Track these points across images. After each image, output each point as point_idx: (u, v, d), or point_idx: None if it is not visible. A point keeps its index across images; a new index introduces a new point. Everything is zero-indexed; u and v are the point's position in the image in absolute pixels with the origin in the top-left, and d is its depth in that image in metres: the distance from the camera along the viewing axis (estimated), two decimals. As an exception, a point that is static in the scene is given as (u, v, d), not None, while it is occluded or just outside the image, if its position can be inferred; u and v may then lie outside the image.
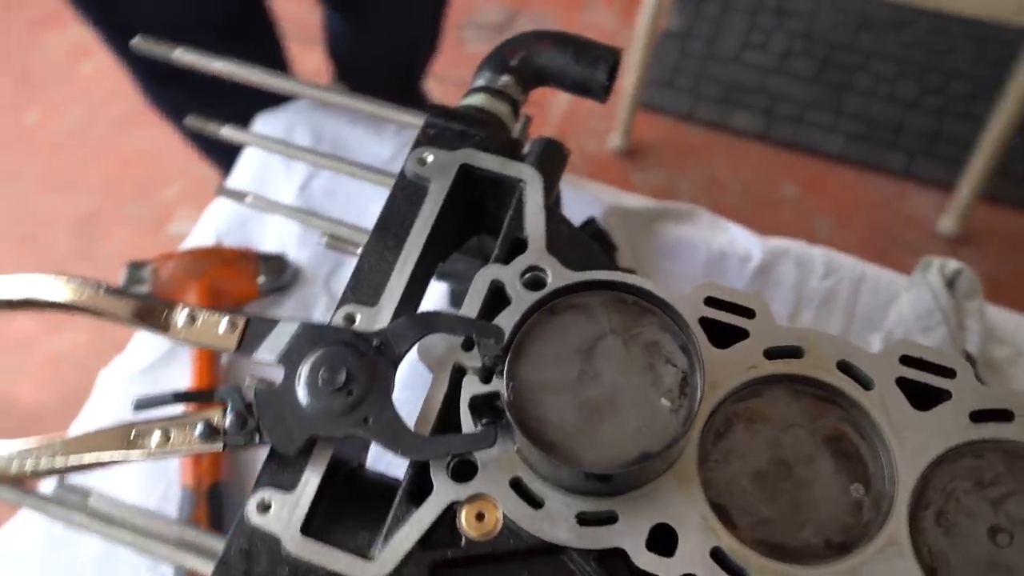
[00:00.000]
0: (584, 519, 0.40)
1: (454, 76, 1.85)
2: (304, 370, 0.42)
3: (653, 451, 0.39)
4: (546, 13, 2.01)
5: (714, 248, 0.78)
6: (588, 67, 0.55)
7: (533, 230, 0.47)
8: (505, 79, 0.56)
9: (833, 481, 0.41)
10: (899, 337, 0.68)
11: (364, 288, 0.47)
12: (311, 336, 0.43)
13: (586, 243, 0.48)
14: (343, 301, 0.46)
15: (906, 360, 0.43)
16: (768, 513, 0.41)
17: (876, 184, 1.68)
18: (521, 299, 0.45)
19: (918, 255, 1.62)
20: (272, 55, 1.21)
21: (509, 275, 0.46)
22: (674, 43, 1.87)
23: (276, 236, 0.82)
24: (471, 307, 0.45)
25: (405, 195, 0.50)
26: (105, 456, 0.41)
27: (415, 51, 1.31)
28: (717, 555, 0.39)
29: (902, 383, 0.42)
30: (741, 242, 0.79)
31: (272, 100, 0.89)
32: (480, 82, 0.56)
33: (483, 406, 0.41)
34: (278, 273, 0.77)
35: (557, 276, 0.45)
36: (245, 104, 0.99)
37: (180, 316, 0.44)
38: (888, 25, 1.84)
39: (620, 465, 0.39)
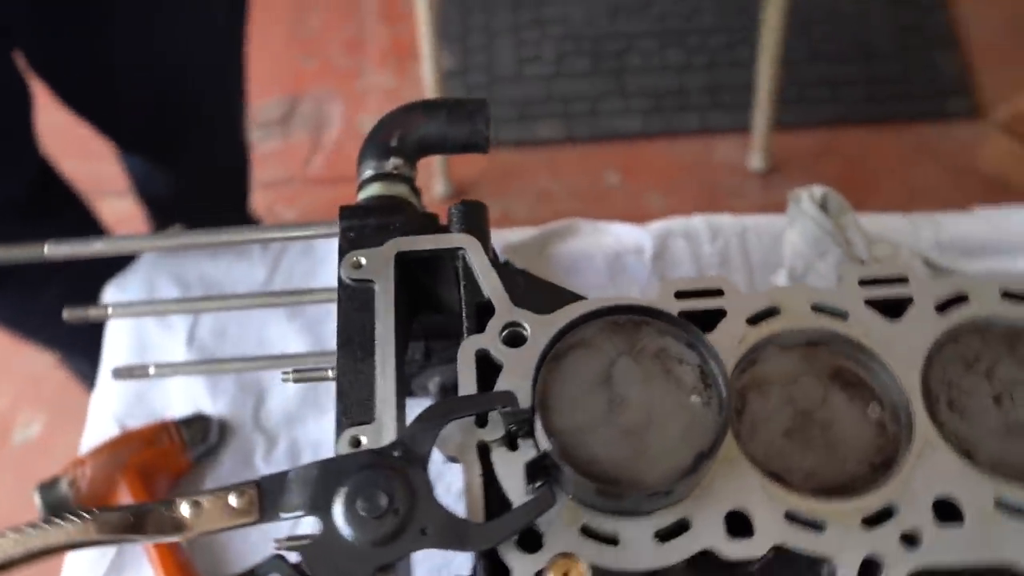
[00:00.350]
0: (662, 535, 0.41)
1: (259, 179, 1.81)
2: (339, 509, 0.40)
3: (705, 448, 0.40)
4: (325, 92, 2.00)
5: (608, 251, 0.81)
6: (466, 124, 0.56)
7: (492, 290, 0.47)
8: (393, 161, 0.56)
9: (851, 411, 0.45)
10: (801, 270, 0.74)
11: (355, 408, 0.45)
12: (330, 473, 0.41)
13: (545, 284, 0.49)
14: (340, 428, 0.44)
15: (864, 282, 0.47)
16: (811, 463, 0.43)
17: (683, 147, 1.80)
18: (510, 360, 0.45)
19: (742, 196, 1.76)
20: (82, 214, 1.14)
21: (489, 340, 0.46)
22: (456, 82, 1.93)
23: (183, 396, 0.77)
24: (467, 383, 0.45)
25: (353, 303, 0.48)
26: None
27: (235, 175, 1.27)
28: (791, 516, 0.41)
29: (870, 303, 0.46)
30: (628, 237, 0.82)
31: (108, 266, 0.82)
32: (368, 172, 0.56)
33: (535, 469, 0.41)
34: (204, 434, 0.72)
35: (535, 325, 0.46)
36: (67, 279, 0.92)
37: (184, 509, 0.41)
38: (636, 5, 1.98)
39: (681, 473, 0.40)
